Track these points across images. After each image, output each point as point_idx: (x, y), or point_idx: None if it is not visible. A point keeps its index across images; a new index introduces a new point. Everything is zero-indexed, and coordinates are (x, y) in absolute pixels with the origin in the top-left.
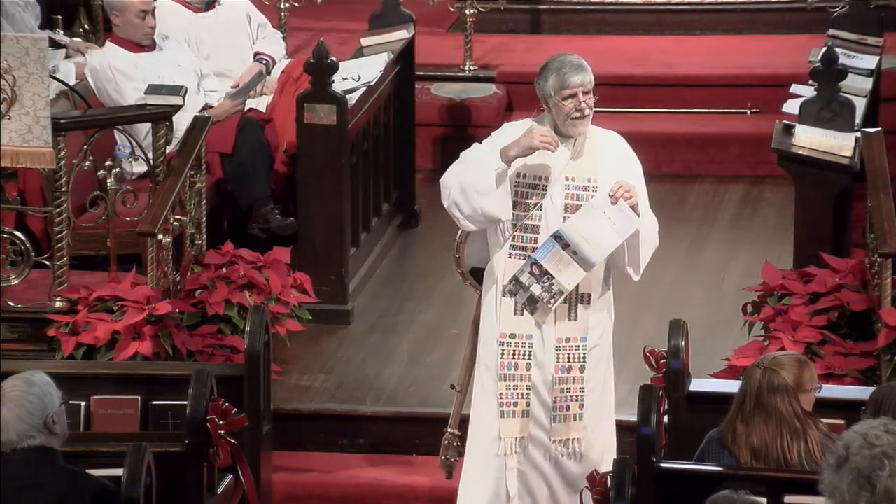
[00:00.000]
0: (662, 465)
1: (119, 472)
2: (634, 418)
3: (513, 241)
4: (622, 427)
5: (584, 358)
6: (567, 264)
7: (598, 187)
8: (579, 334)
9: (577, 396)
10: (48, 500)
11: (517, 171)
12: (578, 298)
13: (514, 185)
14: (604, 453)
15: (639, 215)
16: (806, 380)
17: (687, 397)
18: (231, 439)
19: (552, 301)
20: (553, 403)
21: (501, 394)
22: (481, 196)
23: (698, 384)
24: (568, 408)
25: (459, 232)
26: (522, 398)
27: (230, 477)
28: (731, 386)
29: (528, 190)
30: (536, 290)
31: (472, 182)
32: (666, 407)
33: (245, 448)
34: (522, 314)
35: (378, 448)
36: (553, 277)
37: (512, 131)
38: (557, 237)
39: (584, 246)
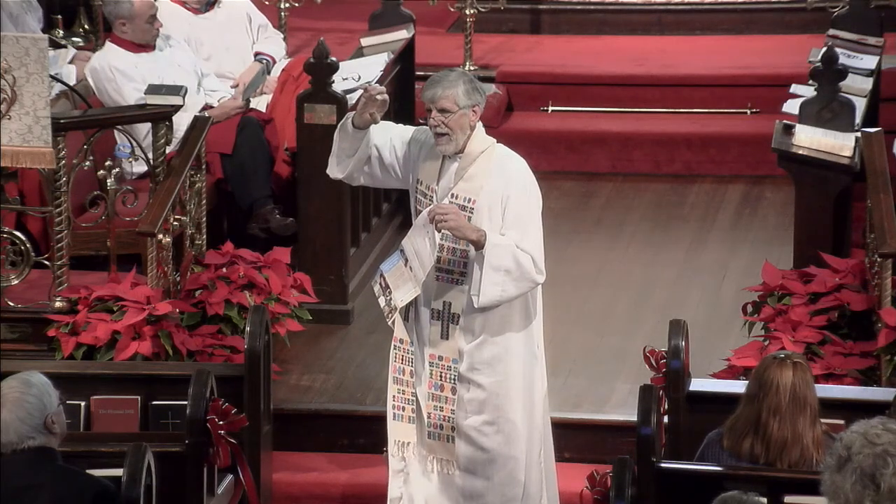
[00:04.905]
0: (662, 465)
1: (119, 472)
2: (634, 418)
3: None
4: (622, 427)
5: (454, 380)
6: (405, 280)
7: (474, 209)
8: (451, 355)
9: (449, 417)
10: (48, 500)
11: (418, 177)
12: (450, 317)
13: (415, 190)
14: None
15: (478, 243)
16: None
17: (687, 397)
18: (231, 439)
19: (390, 315)
20: (428, 419)
21: (393, 396)
22: (336, 139)
23: (698, 384)
24: (441, 427)
25: None
26: (409, 403)
27: (230, 477)
28: (731, 386)
29: (421, 198)
30: (381, 302)
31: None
32: (666, 407)
33: (245, 448)
34: (409, 321)
35: (378, 448)
36: (392, 292)
37: (424, 136)
38: (401, 250)
39: (415, 262)
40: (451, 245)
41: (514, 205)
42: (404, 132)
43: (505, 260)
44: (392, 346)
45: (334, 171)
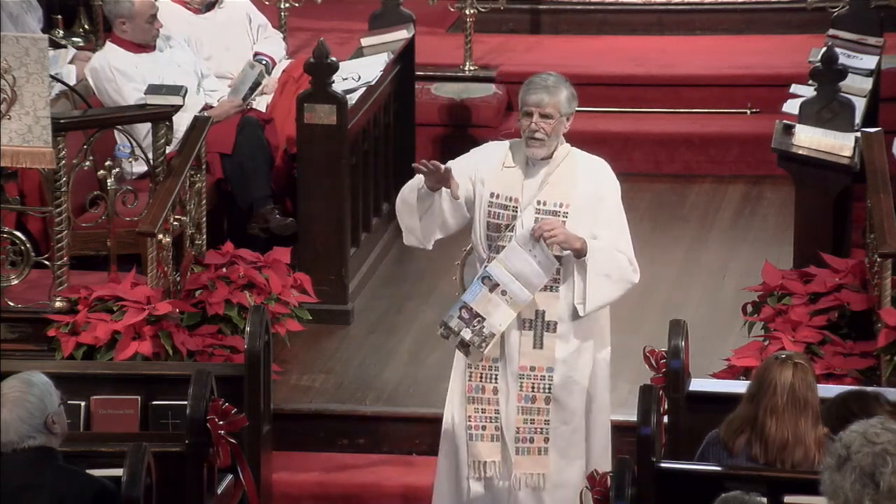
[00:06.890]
0: (662, 465)
1: (119, 472)
2: (634, 418)
3: (488, 262)
4: (622, 427)
5: (549, 389)
6: (496, 305)
7: (568, 213)
8: (545, 364)
9: (542, 429)
10: (48, 500)
11: (491, 191)
12: (544, 326)
13: (488, 204)
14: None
15: (581, 251)
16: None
17: (687, 397)
18: (231, 439)
19: (483, 345)
20: (516, 434)
21: (470, 416)
22: (404, 210)
23: (698, 384)
24: (532, 440)
25: (463, 255)
26: (491, 422)
27: (230, 477)
28: (731, 386)
29: (500, 211)
30: (467, 334)
31: (405, 194)
32: (666, 407)
33: (245, 448)
34: None
35: (378, 448)
36: (484, 319)
37: (490, 151)
38: (485, 278)
39: (513, 284)
40: None
41: (607, 205)
42: (465, 162)
43: (606, 264)
44: (465, 367)
45: (413, 240)
